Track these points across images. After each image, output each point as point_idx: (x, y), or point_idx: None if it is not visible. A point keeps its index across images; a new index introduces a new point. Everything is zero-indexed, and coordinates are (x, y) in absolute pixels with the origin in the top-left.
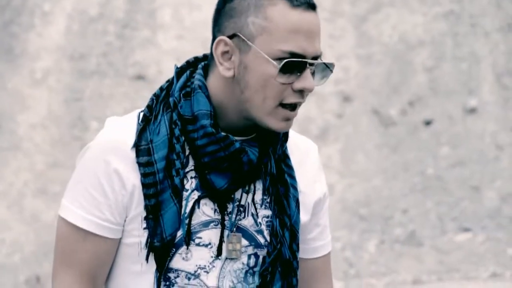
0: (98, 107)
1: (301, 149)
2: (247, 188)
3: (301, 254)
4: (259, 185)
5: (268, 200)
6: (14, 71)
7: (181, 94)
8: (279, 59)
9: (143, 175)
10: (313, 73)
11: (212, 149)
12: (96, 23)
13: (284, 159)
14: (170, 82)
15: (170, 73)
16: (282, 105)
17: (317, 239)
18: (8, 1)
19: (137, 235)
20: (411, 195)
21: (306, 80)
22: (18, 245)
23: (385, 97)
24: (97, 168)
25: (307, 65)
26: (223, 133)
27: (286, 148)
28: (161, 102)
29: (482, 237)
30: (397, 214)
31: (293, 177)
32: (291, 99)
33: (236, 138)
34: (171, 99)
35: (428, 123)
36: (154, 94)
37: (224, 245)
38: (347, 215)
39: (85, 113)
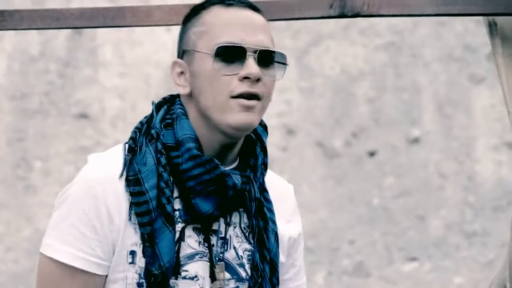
0: (42, 147)
1: (276, 188)
2: (229, 220)
3: None
4: (241, 219)
5: (247, 233)
6: None
7: (162, 126)
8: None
9: (136, 204)
10: (264, 66)
11: (198, 172)
12: (37, 62)
13: (262, 192)
14: (149, 117)
15: (114, 111)
16: (233, 97)
17: (293, 280)
18: None
19: (122, 270)
20: (357, 226)
21: (248, 67)
22: None
23: (328, 129)
24: (85, 204)
25: (247, 52)
26: (208, 156)
27: (264, 182)
28: (143, 135)
29: (428, 266)
30: (344, 245)
31: (271, 211)
32: (238, 89)
33: None
34: (152, 130)
35: (372, 154)
36: (136, 127)
37: (207, 276)
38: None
39: (29, 153)
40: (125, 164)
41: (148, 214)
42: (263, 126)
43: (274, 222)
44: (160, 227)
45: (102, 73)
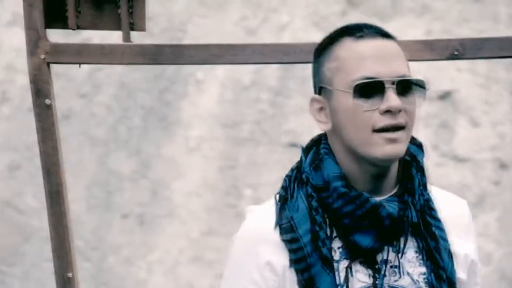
0: (252, 175)
1: (448, 205)
2: (397, 247)
3: None
4: (410, 244)
5: (421, 256)
6: (169, 139)
7: (311, 168)
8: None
9: (291, 251)
10: (404, 94)
11: (349, 209)
12: (249, 91)
13: (429, 212)
14: (299, 162)
15: None
16: (376, 131)
17: None
18: (162, 70)
19: None
20: None
21: (388, 100)
22: None
23: None
24: (247, 262)
25: (385, 85)
26: (355, 192)
27: (430, 200)
28: (294, 181)
29: None
30: None
31: (441, 229)
32: (381, 123)
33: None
34: (303, 175)
35: None
36: (287, 175)
37: None
38: (505, 285)
39: (239, 180)
40: (277, 214)
41: (304, 260)
42: (418, 145)
43: (445, 240)
44: (318, 271)
45: None
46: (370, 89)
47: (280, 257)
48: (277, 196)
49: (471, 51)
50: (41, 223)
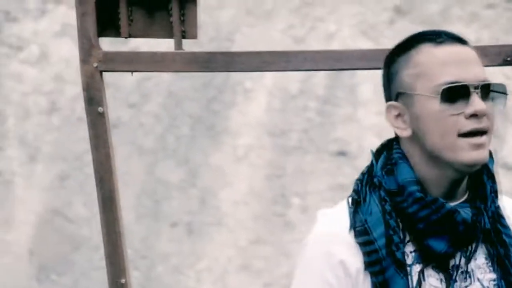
0: (300, 183)
1: None
2: (468, 253)
3: None
4: (480, 250)
5: (490, 263)
6: (217, 148)
7: (383, 173)
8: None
9: (366, 254)
10: (485, 99)
11: (424, 214)
12: (296, 100)
13: (498, 219)
14: (370, 166)
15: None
16: (462, 135)
17: None
18: (211, 79)
19: None
20: None
21: (474, 103)
22: None
23: None
24: (321, 264)
25: (470, 89)
26: (431, 197)
27: (499, 207)
28: (366, 185)
29: None
30: None
31: (511, 237)
32: (467, 127)
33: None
34: (375, 179)
35: None
36: (358, 179)
37: None
38: None
39: (287, 189)
40: (350, 216)
41: (379, 263)
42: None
43: None
44: (392, 274)
45: (361, 111)
46: (455, 93)
47: (354, 258)
48: (350, 200)
49: None
50: (91, 232)
